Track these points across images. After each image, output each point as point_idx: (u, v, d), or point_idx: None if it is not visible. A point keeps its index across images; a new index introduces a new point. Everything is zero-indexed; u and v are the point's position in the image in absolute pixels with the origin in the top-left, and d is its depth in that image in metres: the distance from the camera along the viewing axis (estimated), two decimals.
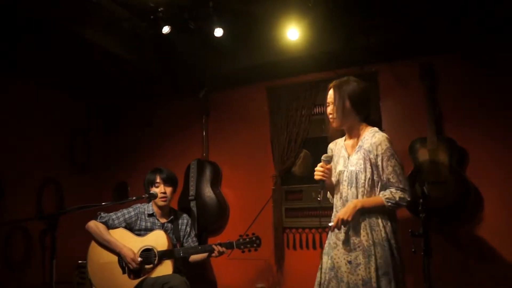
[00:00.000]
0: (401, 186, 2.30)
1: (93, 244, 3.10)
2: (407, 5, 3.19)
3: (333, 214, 2.47)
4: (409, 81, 3.60)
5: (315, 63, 3.76)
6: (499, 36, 3.31)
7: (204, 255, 3.16)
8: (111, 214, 3.19)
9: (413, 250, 2.24)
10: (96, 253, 3.08)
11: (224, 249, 3.08)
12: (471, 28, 3.28)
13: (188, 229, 3.35)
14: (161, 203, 3.20)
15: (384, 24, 3.35)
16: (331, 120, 2.46)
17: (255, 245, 3.11)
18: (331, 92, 2.46)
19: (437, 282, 2.07)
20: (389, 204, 2.28)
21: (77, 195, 4.31)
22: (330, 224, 2.34)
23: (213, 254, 3.08)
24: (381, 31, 3.38)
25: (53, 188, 4.18)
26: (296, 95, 3.98)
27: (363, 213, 2.30)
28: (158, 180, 3.24)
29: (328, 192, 2.60)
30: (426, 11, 3.20)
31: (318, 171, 2.40)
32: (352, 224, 2.31)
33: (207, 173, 4.14)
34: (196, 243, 3.33)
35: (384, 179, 2.33)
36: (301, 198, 3.89)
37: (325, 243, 2.51)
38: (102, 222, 3.12)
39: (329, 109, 2.46)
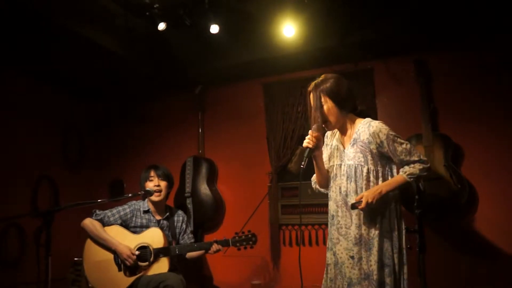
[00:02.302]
0: (416, 159, 2.30)
1: (89, 241, 3.09)
2: (402, 2, 3.20)
3: (332, 209, 2.42)
4: (404, 78, 3.61)
5: (311, 59, 3.77)
6: (494, 34, 3.32)
7: (200, 252, 3.16)
8: (106, 211, 3.17)
9: (408, 246, 2.26)
10: (92, 250, 3.06)
11: (220, 246, 3.08)
12: (465, 26, 3.30)
13: (184, 226, 3.35)
14: (155, 198, 3.19)
15: (379, 21, 3.36)
16: (323, 125, 2.40)
17: (251, 242, 3.11)
18: (311, 96, 2.41)
19: (432, 277, 2.08)
20: (412, 179, 2.26)
21: (72, 192, 4.31)
22: (353, 203, 2.26)
23: (209, 251, 3.09)
24: (376, 28, 3.39)
25: (47, 185, 4.17)
26: (292, 91, 3.98)
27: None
28: (152, 174, 3.23)
29: (317, 185, 2.56)
30: (421, 9, 3.21)
31: (306, 139, 2.35)
32: (355, 217, 2.30)
33: (203, 170, 4.13)
34: (192, 240, 3.33)
35: (397, 161, 2.31)
36: (297, 195, 3.89)
37: (327, 239, 2.48)
38: (98, 220, 3.11)
39: (314, 116, 2.40)
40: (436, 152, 3.27)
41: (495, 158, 3.29)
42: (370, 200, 2.20)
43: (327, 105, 2.35)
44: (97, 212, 3.15)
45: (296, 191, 3.91)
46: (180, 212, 3.40)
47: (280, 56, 3.73)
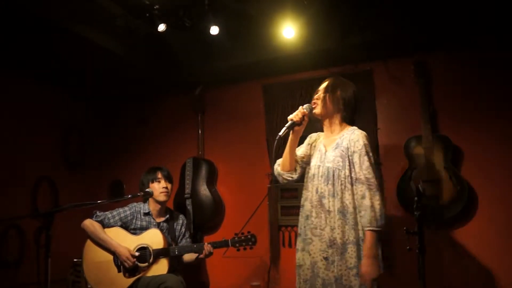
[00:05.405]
0: (373, 182, 2.28)
1: (89, 242, 3.10)
2: (402, 3, 3.20)
3: (307, 209, 2.45)
4: (404, 79, 3.61)
5: (311, 61, 3.77)
6: (494, 35, 3.32)
7: (195, 256, 3.15)
8: (106, 212, 3.18)
9: (407, 248, 2.26)
10: (92, 251, 3.07)
11: (211, 249, 3.04)
12: (466, 27, 3.30)
13: (183, 229, 3.35)
14: (163, 197, 3.21)
15: (379, 22, 3.36)
16: (313, 105, 2.49)
17: (250, 243, 3.11)
18: (327, 84, 2.50)
19: (431, 280, 2.08)
20: (379, 227, 2.23)
21: (72, 193, 4.31)
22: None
23: (200, 256, 3.08)
24: (376, 29, 3.39)
25: (47, 186, 4.17)
26: (291, 92, 3.98)
27: (342, 211, 2.31)
28: (159, 176, 3.26)
29: (280, 168, 2.55)
30: (420, 10, 3.21)
31: (294, 113, 2.44)
32: (329, 220, 2.33)
33: (203, 171, 4.13)
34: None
35: (357, 174, 2.31)
36: (297, 196, 3.89)
37: (297, 241, 2.53)
38: (98, 221, 3.11)
39: (317, 96, 2.50)
40: (436, 153, 3.27)
41: (495, 159, 3.29)
42: (375, 276, 2.20)
43: (334, 96, 2.44)
44: (98, 213, 3.16)
45: (295, 192, 3.90)
46: (180, 215, 3.41)
47: (280, 57, 3.73)
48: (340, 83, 2.51)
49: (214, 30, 3.33)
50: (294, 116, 2.43)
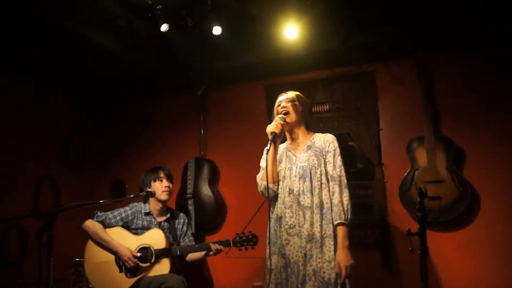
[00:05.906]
0: (343, 180, 2.47)
1: (90, 243, 3.09)
2: (404, 4, 3.20)
3: (279, 211, 2.54)
4: (406, 80, 3.61)
5: (313, 61, 3.77)
6: (495, 35, 3.32)
7: (201, 254, 3.15)
8: (107, 213, 3.18)
9: (410, 249, 2.25)
10: (93, 252, 3.07)
11: (221, 247, 3.08)
12: (468, 28, 3.30)
13: (185, 228, 3.34)
14: (165, 196, 3.21)
15: (381, 23, 3.36)
16: (285, 115, 2.59)
17: (251, 243, 3.10)
18: (292, 96, 2.65)
19: (434, 281, 2.08)
20: (346, 220, 2.40)
21: (74, 193, 4.31)
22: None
23: (210, 253, 3.08)
24: (378, 30, 3.39)
25: (49, 186, 4.17)
26: None
27: (319, 206, 2.44)
28: (162, 175, 3.26)
29: (272, 189, 2.58)
30: (423, 11, 3.21)
31: (272, 125, 2.54)
32: (309, 216, 2.42)
33: (205, 171, 4.13)
34: (193, 243, 3.32)
35: (330, 172, 2.48)
36: None
37: (266, 245, 2.60)
38: (99, 221, 3.11)
39: (286, 105, 2.62)
40: (438, 154, 3.27)
41: (497, 160, 3.28)
42: (349, 263, 2.33)
43: (302, 106, 2.63)
44: (99, 213, 3.16)
45: None
46: (181, 214, 3.40)
47: (282, 58, 3.73)
48: (301, 95, 2.72)
49: (217, 30, 3.33)
50: (275, 128, 2.53)
